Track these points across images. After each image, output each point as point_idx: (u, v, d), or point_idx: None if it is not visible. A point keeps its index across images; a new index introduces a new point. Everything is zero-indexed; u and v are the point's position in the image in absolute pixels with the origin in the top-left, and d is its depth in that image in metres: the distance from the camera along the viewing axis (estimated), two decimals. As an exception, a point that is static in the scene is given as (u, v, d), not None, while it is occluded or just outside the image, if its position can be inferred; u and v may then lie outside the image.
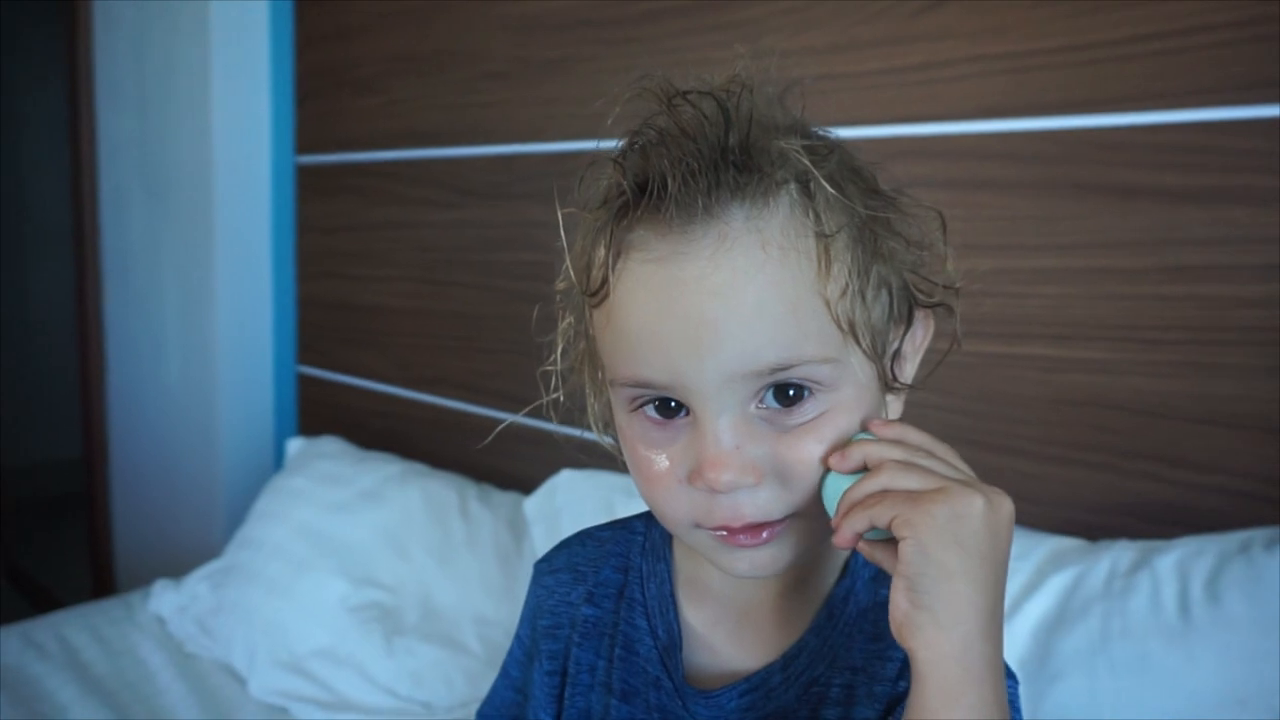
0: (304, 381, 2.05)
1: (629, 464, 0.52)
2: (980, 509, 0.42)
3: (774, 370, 0.46)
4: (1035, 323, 1.07)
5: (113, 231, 2.29)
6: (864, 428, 0.49)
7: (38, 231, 3.65)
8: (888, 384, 0.52)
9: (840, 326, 0.47)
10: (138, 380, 2.25)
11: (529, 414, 0.61)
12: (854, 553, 0.58)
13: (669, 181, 0.44)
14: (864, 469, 0.47)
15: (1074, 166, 1.04)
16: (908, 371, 0.54)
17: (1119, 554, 0.91)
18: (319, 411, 2.02)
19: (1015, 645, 0.89)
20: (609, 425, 0.56)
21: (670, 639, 0.58)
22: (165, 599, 1.53)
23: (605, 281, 0.48)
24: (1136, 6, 0.98)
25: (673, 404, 0.48)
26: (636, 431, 0.50)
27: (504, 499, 1.51)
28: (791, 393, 0.47)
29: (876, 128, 1.17)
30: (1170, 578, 0.86)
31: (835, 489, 0.47)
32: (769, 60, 0.51)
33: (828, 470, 0.48)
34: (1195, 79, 0.96)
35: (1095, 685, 0.83)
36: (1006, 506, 0.44)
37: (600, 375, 0.54)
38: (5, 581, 2.96)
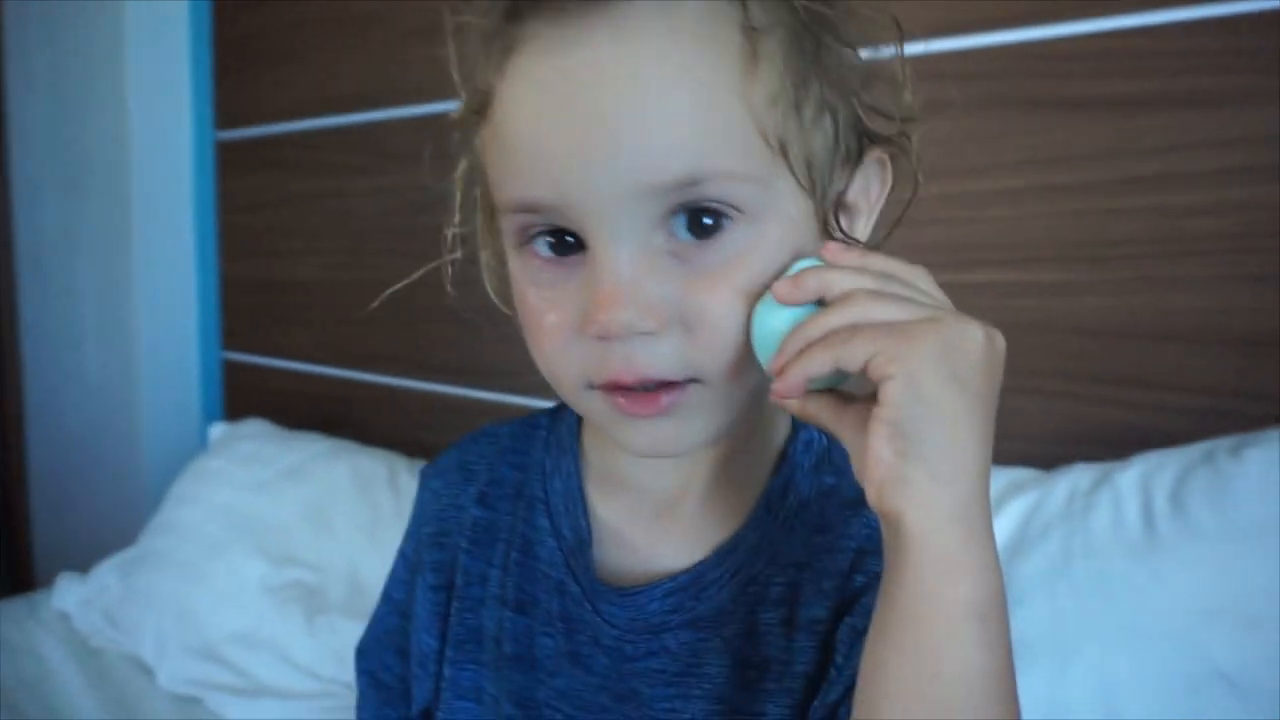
0: (230, 367, 1.95)
1: (520, 316, 0.44)
2: (980, 340, 0.35)
3: (682, 184, 0.37)
4: (985, 247, 1.02)
5: (26, 227, 2.17)
6: (817, 255, 0.40)
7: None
8: (829, 231, 0.43)
9: (767, 141, 0.39)
10: (55, 374, 2.14)
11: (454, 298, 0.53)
12: (791, 441, 0.51)
13: None
14: (818, 303, 0.38)
15: (1019, 81, 0.99)
16: (860, 228, 0.46)
17: (1078, 475, 0.86)
18: (247, 397, 1.92)
19: (973, 575, 0.83)
20: (508, 294, 0.47)
21: (578, 537, 0.50)
22: (70, 592, 1.42)
23: (489, 89, 0.40)
24: (1075, -89, 0.95)
25: (568, 238, 0.40)
26: (526, 274, 0.42)
27: (437, 471, 1.42)
28: (707, 221, 0.38)
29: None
30: (1133, 493, 0.80)
31: (773, 327, 0.38)
32: None
33: (759, 307, 0.39)
34: (1138, -18, 0.92)
35: (1057, 607, 0.77)
36: (1001, 341, 0.37)
37: (491, 218, 0.46)
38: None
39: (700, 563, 0.48)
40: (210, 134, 1.92)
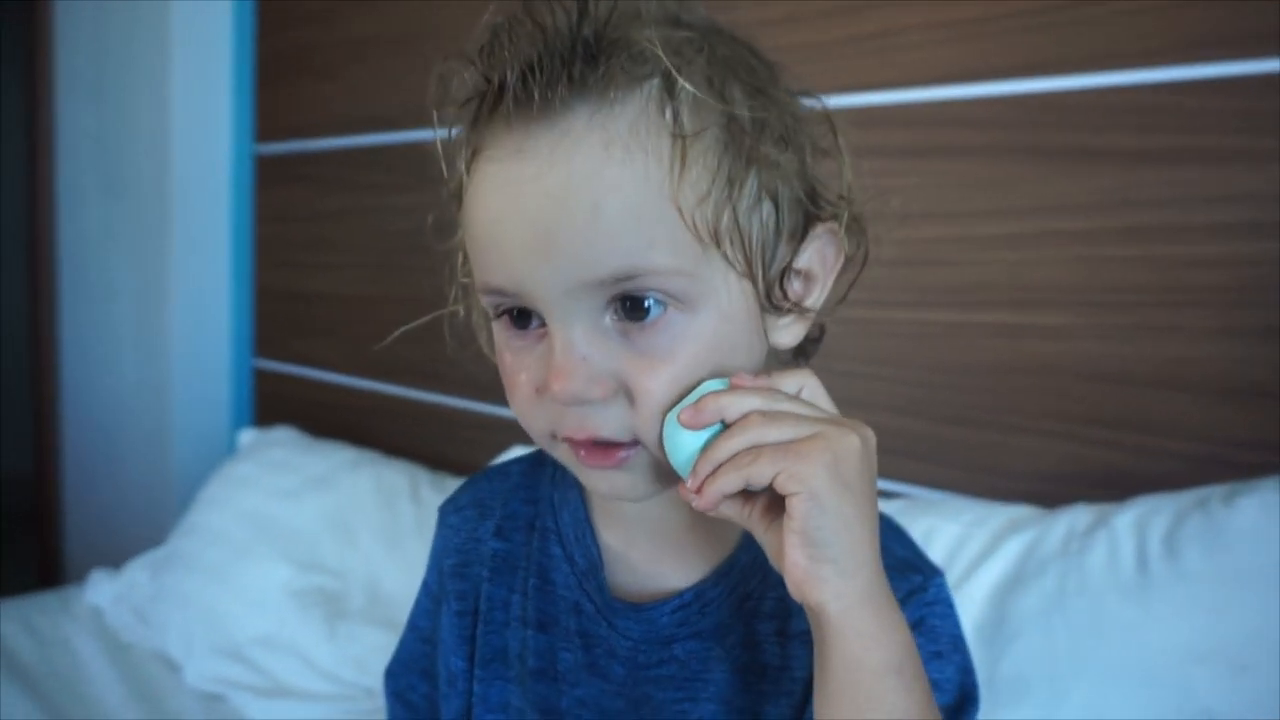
0: (260, 375, 2.00)
1: (500, 371, 0.49)
2: (858, 447, 0.41)
3: (617, 280, 0.42)
4: (991, 289, 1.05)
5: (69, 229, 2.24)
6: (727, 380, 0.45)
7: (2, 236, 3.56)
8: (773, 303, 0.47)
9: (699, 236, 0.42)
10: (92, 380, 2.20)
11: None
12: None
13: (508, 76, 0.42)
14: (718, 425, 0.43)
15: (1029, 130, 1.03)
16: (814, 295, 0.50)
17: (1076, 516, 0.89)
18: (276, 404, 1.97)
19: (971, 610, 0.86)
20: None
21: (589, 562, 0.55)
22: (102, 589, 1.47)
23: (461, 183, 0.46)
24: (1088, -31, 0.98)
25: (530, 317, 0.45)
26: (502, 340, 0.48)
27: (457, 484, 1.46)
28: (644, 304, 0.43)
29: (836, 97, 1.15)
30: (1128, 535, 0.83)
31: (684, 446, 0.43)
32: None
33: (667, 428, 0.44)
34: (1148, 39, 0.95)
35: (1052, 644, 0.80)
36: (870, 436, 0.43)
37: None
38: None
39: (700, 582, 0.53)
40: (249, 147, 1.98)
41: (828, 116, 0.50)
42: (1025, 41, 1.02)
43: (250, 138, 1.98)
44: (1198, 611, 0.76)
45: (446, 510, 0.63)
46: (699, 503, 0.42)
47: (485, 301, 0.47)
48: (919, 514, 0.98)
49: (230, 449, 1.98)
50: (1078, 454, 1.00)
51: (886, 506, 1.03)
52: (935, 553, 0.93)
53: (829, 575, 0.40)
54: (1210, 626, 0.75)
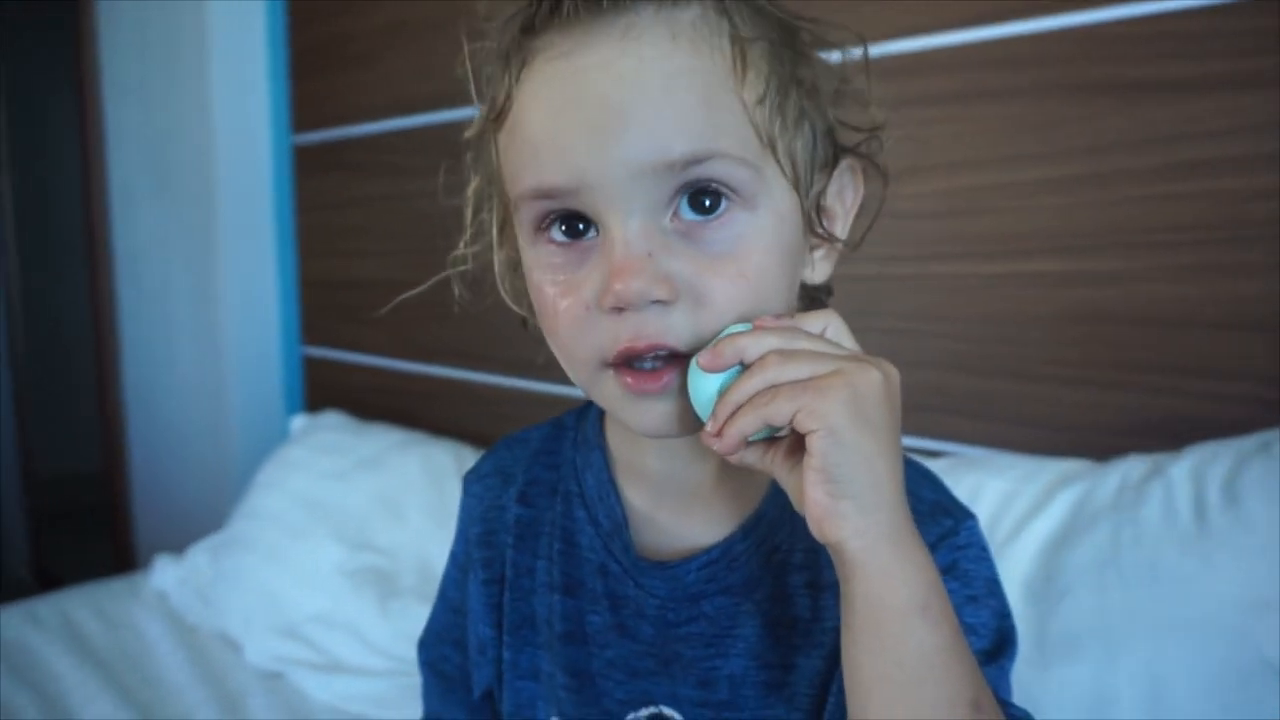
0: (309, 361, 2.04)
1: (536, 307, 0.48)
2: (879, 382, 0.40)
3: (686, 163, 0.41)
4: (1040, 236, 1.01)
5: (122, 230, 2.30)
6: (750, 323, 0.44)
7: (60, 236, 3.68)
8: (812, 228, 0.47)
9: (759, 135, 0.43)
10: (152, 377, 2.26)
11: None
12: None
13: None
14: (738, 367, 0.42)
15: (1075, 66, 0.98)
16: (838, 229, 0.50)
17: (1130, 466, 0.85)
18: (325, 390, 2.01)
19: (1020, 565, 0.84)
20: (520, 295, 0.52)
21: (614, 523, 0.54)
22: (167, 573, 1.52)
23: (509, 96, 0.45)
24: (1132, -109, 0.93)
25: (580, 224, 0.44)
26: (542, 262, 0.46)
27: (502, 461, 1.47)
28: (708, 201, 0.42)
29: (872, 45, 1.11)
30: (1184, 483, 0.79)
31: (704, 391, 0.42)
32: None
33: (690, 373, 0.43)
34: (1196, -40, 0.90)
35: (1105, 599, 0.77)
36: (894, 372, 0.41)
37: (505, 223, 0.50)
38: (38, 586, 2.99)
39: (728, 538, 0.52)
40: (287, 138, 2.01)
41: (860, 35, 0.50)
42: (1064, -27, 0.97)
43: (288, 129, 2.00)
44: (1258, 560, 0.73)
45: (470, 480, 0.62)
46: (719, 445, 0.41)
47: (530, 211, 0.45)
48: (965, 471, 0.95)
49: (284, 434, 2.03)
50: (1138, 403, 0.96)
51: (933, 465, 1.00)
52: (982, 509, 0.90)
53: (849, 512, 0.38)
54: (1272, 575, 0.72)
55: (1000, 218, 1.03)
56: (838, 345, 0.43)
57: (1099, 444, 0.97)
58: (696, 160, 0.41)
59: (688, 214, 0.43)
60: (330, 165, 1.92)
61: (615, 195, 0.42)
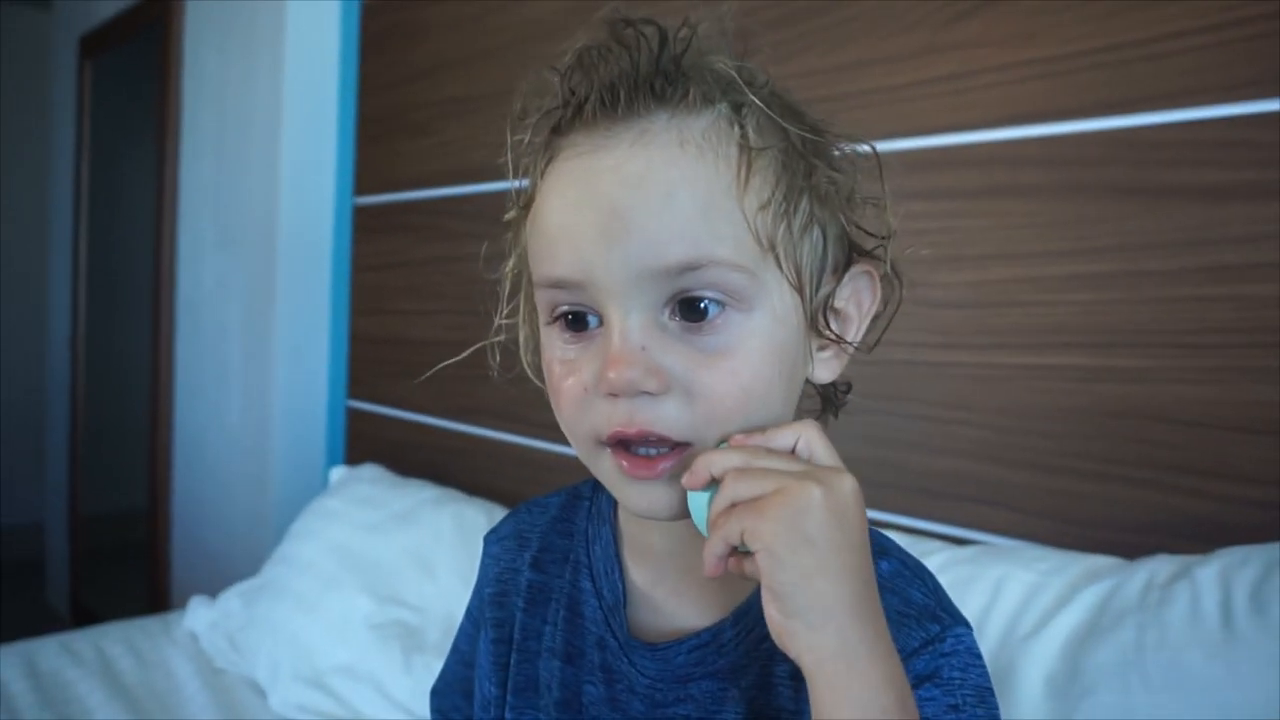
0: (353, 414, 2.10)
1: (546, 383, 0.51)
2: (818, 499, 0.41)
3: (683, 268, 0.44)
4: (1067, 331, 1.03)
5: (186, 279, 2.40)
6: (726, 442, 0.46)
7: (127, 282, 3.82)
8: (817, 329, 0.49)
9: (758, 240, 0.45)
10: (201, 420, 2.33)
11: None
12: None
13: (594, 87, 0.46)
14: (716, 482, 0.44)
15: (1108, 169, 1.01)
16: (851, 333, 0.51)
17: (1157, 566, 0.85)
18: (366, 443, 2.06)
19: (1044, 660, 0.83)
20: (539, 369, 0.54)
21: (615, 598, 0.56)
22: (199, 615, 1.55)
23: (535, 187, 0.49)
24: (1167, 4, 0.96)
25: (587, 318, 0.47)
26: (554, 344, 0.49)
27: (533, 523, 1.49)
28: (702, 305, 0.45)
29: (908, 140, 1.16)
30: (1212, 587, 0.79)
31: (696, 507, 0.45)
32: (725, 6, 0.51)
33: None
34: (1230, 73, 0.93)
35: (1129, 700, 0.76)
36: (846, 485, 0.42)
37: (531, 304, 0.53)
38: (73, 622, 3.04)
39: (719, 623, 0.53)
40: (350, 199, 2.10)
41: (875, 154, 0.52)
42: (1104, 79, 1.01)
43: (350, 190, 2.10)
44: (1288, 671, 0.72)
45: (490, 540, 0.65)
46: (705, 569, 0.43)
47: (544, 298, 0.48)
48: (991, 561, 0.95)
49: (323, 484, 2.07)
50: (1159, 502, 0.96)
51: (957, 553, 1.01)
52: (1007, 601, 0.90)
53: (798, 629, 0.40)
54: (1303, 687, 0.71)
55: (1029, 311, 1.05)
56: (801, 460, 0.44)
57: (1122, 541, 0.97)
58: (691, 266, 0.44)
59: (682, 318, 0.45)
60: (387, 227, 2.00)
61: (617, 292, 0.45)
